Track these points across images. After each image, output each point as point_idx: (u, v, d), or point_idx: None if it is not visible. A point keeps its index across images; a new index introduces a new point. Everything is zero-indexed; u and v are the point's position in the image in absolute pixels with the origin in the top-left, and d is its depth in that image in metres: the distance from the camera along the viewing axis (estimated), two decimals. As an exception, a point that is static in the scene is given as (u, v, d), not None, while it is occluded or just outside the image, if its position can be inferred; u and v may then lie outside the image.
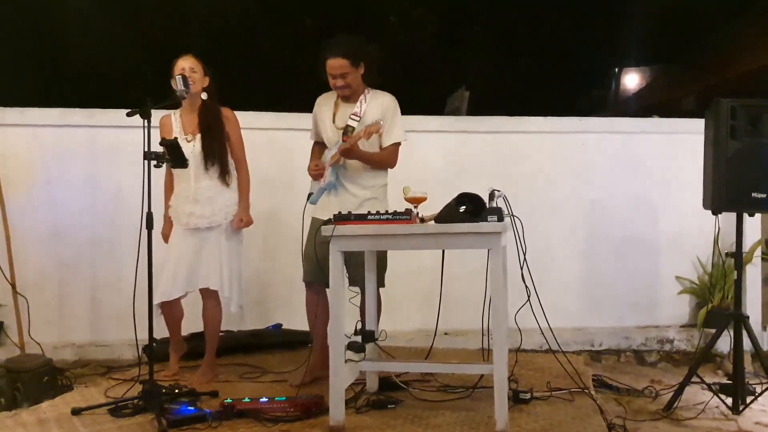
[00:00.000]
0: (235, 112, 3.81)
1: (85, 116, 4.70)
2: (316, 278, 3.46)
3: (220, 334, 3.92)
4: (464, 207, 2.86)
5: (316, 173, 3.55)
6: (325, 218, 3.38)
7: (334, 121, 3.58)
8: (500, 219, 2.87)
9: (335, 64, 3.42)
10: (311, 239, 3.51)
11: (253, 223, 3.77)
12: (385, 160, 3.57)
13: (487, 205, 2.96)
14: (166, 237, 3.79)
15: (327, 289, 3.47)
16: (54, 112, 4.69)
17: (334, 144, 3.53)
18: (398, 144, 3.56)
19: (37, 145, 4.62)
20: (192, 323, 3.94)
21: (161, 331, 3.86)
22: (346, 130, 3.50)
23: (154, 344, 4.08)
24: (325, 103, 3.67)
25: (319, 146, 3.74)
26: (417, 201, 3.03)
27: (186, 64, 3.66)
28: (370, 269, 3.38)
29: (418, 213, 2.99)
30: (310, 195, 3.58)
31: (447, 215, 2.90)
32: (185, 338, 3.99)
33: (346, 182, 3.54)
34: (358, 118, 3.50)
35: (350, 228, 2.91)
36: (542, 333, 3.30)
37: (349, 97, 3.55)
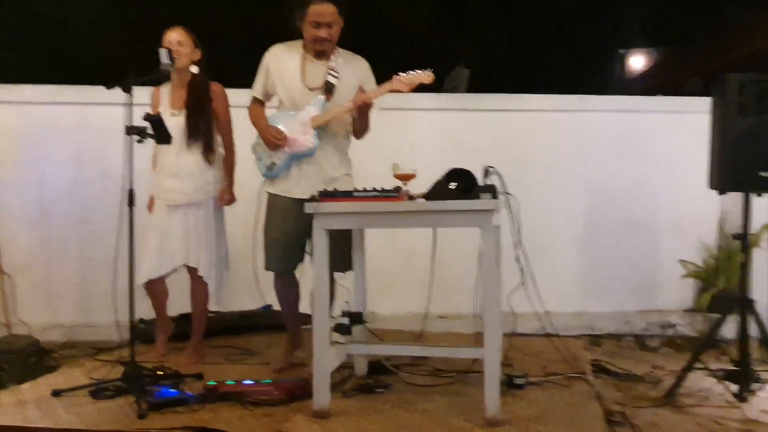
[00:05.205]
0: (228, 89, 3.68)
1: (75, 93, 4.60)
2: (286, 267, 3.27)
3: (210, 315, 3.84)
4: (455, 183, 2.75)
5: (279, 143, 3.21)
6: (302, 195, 3.10)
7: (303, 80, 3.22)
8: (494, 196, 2.75)
9: (325, 10, 3.06)
10: (280, 221, 3.24)
11: (236, 201, 3.66)
12: (368, 127, 3.30)
13: (482, 182, 2.85)
14: (150, 208, 3.72)
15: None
16: (44, 89, 4.59)
17: (303, 105, 3.20)
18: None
19: (26, 122, 4.53)
20: (182, 304, 3.85)
21: (150, 311, 3.80)
22: (328, 87, 3.17)
23: (142, 325, 4.06)
24: (286, 56, 3.26)
25: (261, 106, 3.38)
26: (406, 178, 2.91)
27: (174, 36, 3.55)
28: (358, 249, 3.26)
29: (408, 190, 2.88)
30: (273, 165, 3.25)
31: (437, 192, 2.79)
32: (173, 319, 3.92)
33: (323, 152, 3.22)
34: (336, 74, 3.19)
35: (335, 205, 2.79)
36: (539, 318, 3.20)
37: (323, 53, 3.19)
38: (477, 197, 2.73)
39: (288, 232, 3.23)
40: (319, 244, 2.80)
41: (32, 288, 4.40)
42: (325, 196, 2.82)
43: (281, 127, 3.25)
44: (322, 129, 3.20)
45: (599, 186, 4.81)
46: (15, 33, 6.74)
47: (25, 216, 4.48)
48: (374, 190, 2.80)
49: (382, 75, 3.32)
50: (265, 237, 3.30)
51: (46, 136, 4.53)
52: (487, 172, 2.96)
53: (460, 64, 5.26)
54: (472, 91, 5.13)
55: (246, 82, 3.92)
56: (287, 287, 3.37)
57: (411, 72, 3.08)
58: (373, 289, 3.47)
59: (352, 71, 3.23)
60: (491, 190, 2.76)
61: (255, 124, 3.37)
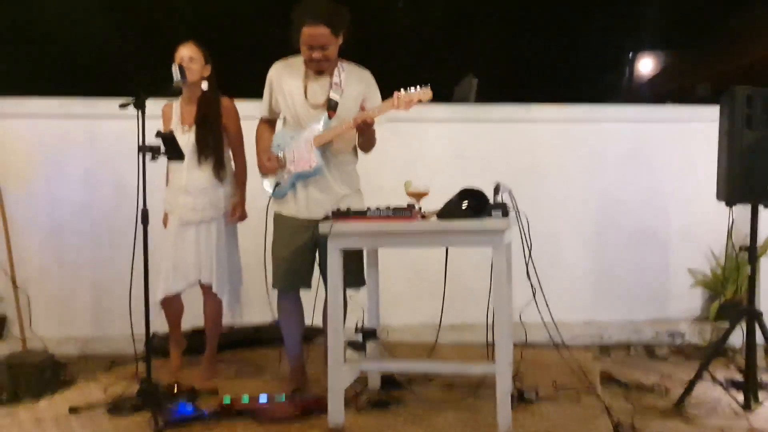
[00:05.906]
0: (240, 101, 3.69)
1: (85, 106, 4.61)
2: (293, 284, 3.24)
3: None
4: (466, 203, 2.77)
5: (271, 168, 3.21)
6: (309, 216, 3.14)
7: (306, 97, 3.19)
8: (505, 214, 2.77)
9: (315, 32, 3.00)
10: (287, 241, 3.22)
11: (248, 217, 3.68)
12: (374, 142, 3.23)
13: (492, 199, 2.87)
14: (166, 223, 3.74)
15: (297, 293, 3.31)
16: (54, 102, 4.60)
17: (307, 122, 3.18)
18: None
19: (37, 136, 4.54)
20: (195, 318, 3.88)
21: (163, 325, 3.83)
22: (331, 104, 3.14)
23: (155, 339, 4.08)
24: (288, 74, 3.22)
25: (270, 126, 3.38)
26: (419, 196, 2.93)
27: (186, 52, 3.56)
28: (372, 265, 3.29)
29: (420, 208, 2.90)
30: (278, 185, 3.22)
31: (449, 211, 2.81)
32: (187, 333, 3.94)
33: (328, 171, 3.19)
34: (340, 90, 3.15)
35: (349, 226, 2.82)
36: (548, 330, 3.22)
37: (324, 71, 3.16)
38: (489, 215, 2.75)
39: (294, 251, 3.21)
40: (333, 264, 2.83)
41: (47, 302, 4.41)
42: (339, 215, 2.84)
43: (284, 145, 3.24)
44: (325, 148, 3.18)
45: (609, 195, 4.80)
46: (22, 45, 6.75)
47: (38, 229, 4.49)
48: (387, 209, 2.82)
49: (390, 85, 3.32)
50: (273, 255, 3.30)
51: (57, 150, 4.53)
52: (498, 189, 2.97)
53: (468, 73, 5.26)
54: (481, 100, 5.12)
55: (256, 91, 3.95)
56: (291, 306, 3.33)
57: (411, 89, 3.06)
58: (385, 300, 3.47)
59: (355, 85, 3.19)
60: (502, 208, 2.79)
61: (256, 144, 3.39)
